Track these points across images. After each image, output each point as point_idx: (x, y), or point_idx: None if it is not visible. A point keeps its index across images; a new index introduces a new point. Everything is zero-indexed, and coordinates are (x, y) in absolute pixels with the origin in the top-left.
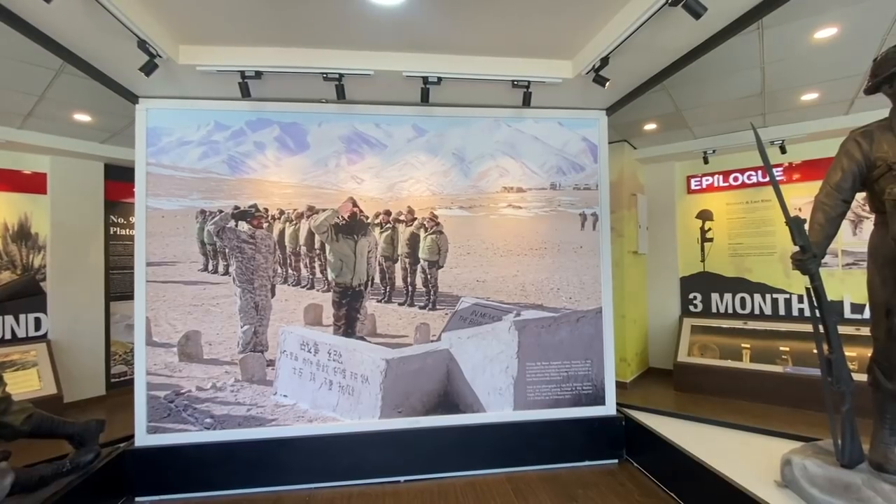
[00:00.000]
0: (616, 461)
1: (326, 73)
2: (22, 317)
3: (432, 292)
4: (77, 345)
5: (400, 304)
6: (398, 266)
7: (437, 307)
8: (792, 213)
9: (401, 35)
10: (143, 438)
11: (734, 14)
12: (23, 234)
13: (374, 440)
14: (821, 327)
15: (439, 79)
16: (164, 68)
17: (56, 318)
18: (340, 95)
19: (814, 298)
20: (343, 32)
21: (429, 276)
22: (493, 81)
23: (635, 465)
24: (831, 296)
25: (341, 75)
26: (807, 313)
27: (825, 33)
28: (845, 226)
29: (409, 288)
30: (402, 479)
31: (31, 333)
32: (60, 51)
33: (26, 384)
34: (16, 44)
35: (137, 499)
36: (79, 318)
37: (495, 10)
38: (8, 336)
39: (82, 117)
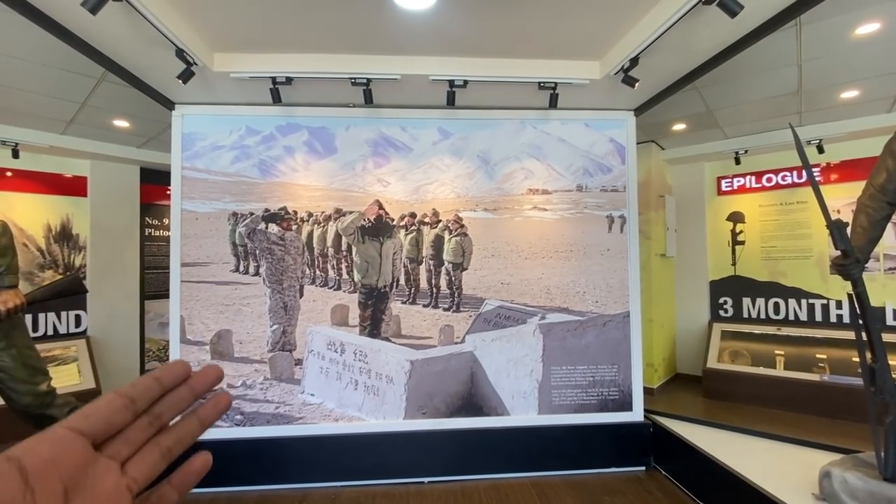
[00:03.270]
0: (643, 468)
1: (355, 78)
2: (63, 314)
3: (456, 294)
4: (113, 341)
5: (424, 306)
6: (423, 268)
7: (462, 309)
8: (831, 216)
9: (428, 39)
10: None
11: (771, 12)
12: (65, 235)
13: (399, 440)
14: (864, 335)
15: (465, 82)
16: (199, 76)
17: (95, 315)
18: (368, 100)
19: (856, 305)
20: (372, 38)
21: (453, 278)
22: (520, 84)
23: (663, 472)
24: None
25: (369, 80)
26: (846, 320)
27: (867, 29)
28: (889, 228)
29: (434, 290)
30: (425, 480)
31: (72, 330)
32: (103, 60)
33: (67, 379)
34: (62, 54)
35: None
36: (115, 316)
37: (524, 12)
38: (50, 332)
39: (121, 123)
